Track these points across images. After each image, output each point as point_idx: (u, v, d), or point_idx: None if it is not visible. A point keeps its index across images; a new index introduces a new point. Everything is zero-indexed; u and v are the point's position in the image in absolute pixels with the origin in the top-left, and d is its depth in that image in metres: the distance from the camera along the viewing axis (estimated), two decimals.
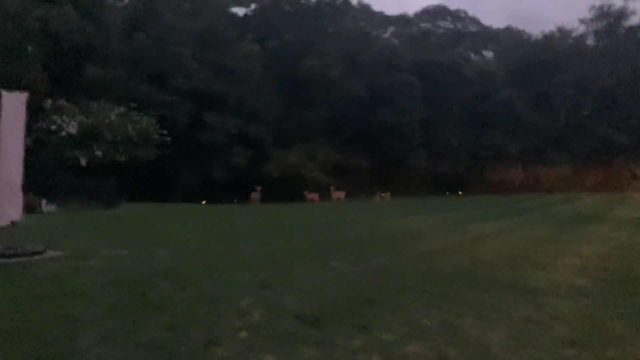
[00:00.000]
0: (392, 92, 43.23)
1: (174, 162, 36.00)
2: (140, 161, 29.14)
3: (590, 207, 27.86)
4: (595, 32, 57.41)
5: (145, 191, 33.33)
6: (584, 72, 51.58)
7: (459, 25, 66.09)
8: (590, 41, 57.14)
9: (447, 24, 65.52)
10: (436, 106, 45.97)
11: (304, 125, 39.32)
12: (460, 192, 45.49)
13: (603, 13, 56.84)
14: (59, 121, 25.25)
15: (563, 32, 56.93)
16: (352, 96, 41.17)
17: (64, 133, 24.99)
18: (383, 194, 34.14)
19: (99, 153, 25.73)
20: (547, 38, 55.94)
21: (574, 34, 57.29)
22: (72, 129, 25.16)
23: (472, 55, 57.55)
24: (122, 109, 28.65)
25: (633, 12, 56.63)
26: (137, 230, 13.72)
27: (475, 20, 66.23)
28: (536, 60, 52.15)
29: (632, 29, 56.91)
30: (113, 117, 27.65)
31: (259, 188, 32.58)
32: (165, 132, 29.45)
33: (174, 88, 34.68)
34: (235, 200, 36.93)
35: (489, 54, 58.08)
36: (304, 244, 11.06)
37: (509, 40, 61.50)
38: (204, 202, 34.73)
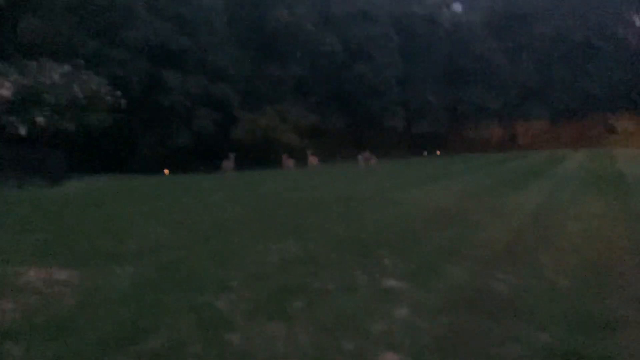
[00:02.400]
0: (368, 47, 40.03)
1: (131, 129, 32.28)
2: (91, 129, 25.43)
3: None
4: None
5: (100, 163, 29.65)
6: (563, 23, 49.35)
7: None
8: None
9: None
10: (413, 62, 43.06)
11: (274, 84, 35.81)
12: (438, 152, 43.27)
13: None
14: None
15: None
16: (326, 51, 37.75)
17: None
18: (368, 158, 29.87)
19: (40, 119, 21.92)
20: None
21: None
22: (7, 91, 21.23)
23: (448, 6, 54.40)
24: (67, 68, 24.69)
25: None
26: (83, 224, 10.45)
27: None
28: (515, 11, 49.52)
29: None
30: (56, 77, 23.72)
31: (232, 155, 28.87)
32: (119, 93, 25.71)
33: (126, 43, 30.57)
34: (202, 169, 33.59)
35: (464, 6, 55.04)
36: (331, 242, 8.14)
37: None
38: (166, 172, 31.31)
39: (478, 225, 9.79)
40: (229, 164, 28.86)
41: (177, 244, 8.24)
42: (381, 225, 9.83)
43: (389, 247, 7.87)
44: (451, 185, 16.86)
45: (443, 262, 7.08)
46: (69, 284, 6.13)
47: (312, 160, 30.73)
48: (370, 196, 14.11)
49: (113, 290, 5.70)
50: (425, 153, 42.85)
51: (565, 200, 12.95)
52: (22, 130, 21.67)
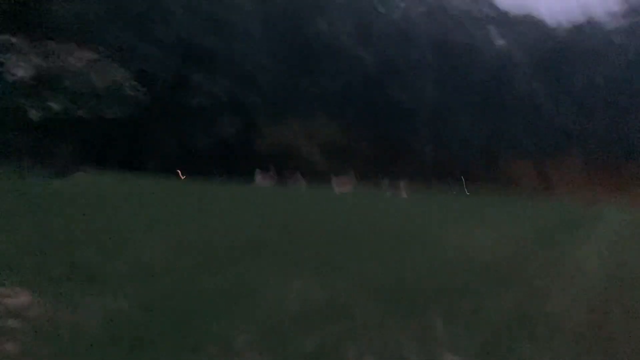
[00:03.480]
0: (404, 69, 38.37)
1: (150, 126, 30.90)
2: (107, 120, 24.04)
3: None
4: (623, 29, 52.99)
5: (114, 157, 28.22)
6: (611, 72, 47.24)
7: (474, 8, 61.20)
8: (619, 38, 52.61)
9: (460, 4, 60.62)
10: (450, 90, 41.25)
11: (303, 98, 34.24)
12: (465, 188, 41.22)
13: (633, 10, 52.36)
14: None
15: (593, 25, 52.16)
16: (361, 69, 36.17)
17: (9, 77, 19.69)
18: (344, 183, 26.92)
19: (54, 105, 20.55)
20: (577, 29, 51.17)
21: (606, 28, 52.58)
22: (22, 71, 19.89)
23: (492, 40, 52.69)
24: (91, 55, 23.41)
25: None
26: (71, 229, 8.77)
27: (493, 5, 61.27)
28: (563, 54, 47.51)
29: None
30: (78, 64, 22.44)
31: (272, 168, 26.13)
32: (141, 87, 24.35)
33: (156, 38, 29.30)
34: (218, 175, 32.03)
35: (508, 42, 53.29)
36: (366, 288, 6.33)
37: (528, 27, 56.76)
38: (183, 177, 29.81)
39: (545, 290, 7.95)
40: (265, 178, 26.08)
41: (177, 271, 6.52)
42: (425, 273, 8.04)
43: (441, 307, 6.08)
44: (494, 230, 14.97)
45: (515, 340, 5.25)
46: (17, 314, 4.51)
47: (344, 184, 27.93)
48: (405, 232, 12.31)
49: (67, 339, 4.02)
50: (451, 188, 40.79)
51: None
52: (34, 116, 20.31)
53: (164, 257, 7.26)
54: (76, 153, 20.82)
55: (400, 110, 37.32)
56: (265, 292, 5.91)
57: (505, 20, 55.96)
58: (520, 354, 4.86)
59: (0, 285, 5.27)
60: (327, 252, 8.91)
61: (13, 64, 19.86)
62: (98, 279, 5.86)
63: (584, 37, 50.91)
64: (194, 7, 31.68)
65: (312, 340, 4.55)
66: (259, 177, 26.27)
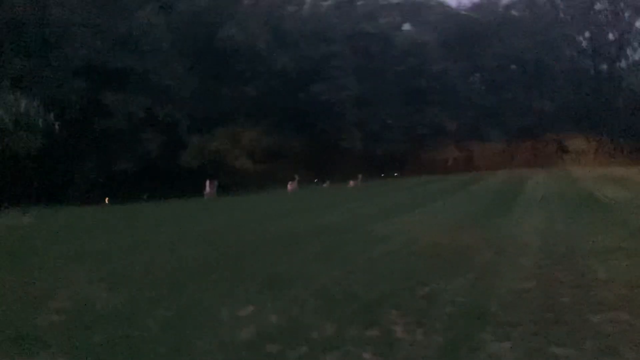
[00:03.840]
0: (323, 66, 38.55)
1: (67, 154, 29.41)
2: (19, 154, 22.62)
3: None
4: (519, 2, 55.80)
5: (32, 193, 26.63)
6: (514, 43, 49.61)
7: None
8: (515, 12, 55.37)
9: None
10: (369, 82, 41.86)
11: (225, 105, 33.62)
12: (395, 174, 42.04)
13: None
14: None
15: (491, 1, 54.67)
16: (279, 71, 35.96)
17: None
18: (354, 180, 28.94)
19: None
20: (477, 7, 53.41)
21: (502, 3, 55.26)
22: None
23: (400, 26, 53.86)
24: None
25: None
26: None
27: None
28: (468, 31, 49.43)
29: None
30: None
31: (213, 181, 26.18)
32: (52, 116, 23.01)
33: (61, 62, 27.84)
34: (145, 197, 30.96)
35: (416, 26, 54.63)
36: (319, 300, 6.06)
37: (432, 10, 58.47)
38: (106, 201, 28.58)
39: (488, 268, 8.08)
40: (210, 189, 26.02)
41: (116, 310, 6.08)
42: (374, 270, 7.98)
43: (397, 308, 6.00)
44: (431, 213, 15.24)
45: (477, 330, 5.26)
46: None
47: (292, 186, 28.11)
48: (347, 227, 12.23)
49: None
50: (382, 175, 41.50)
51: (563, 231, 11.49)
52: None
53: (97, 294, 6.77)
54: None
55: (323, 107, 37.46)
56: (213, 321, 5.61)
57: (409, 5, 57.44)
58: (485, 349, 4.84)
59: None
60: (273, 261, 8.67)
61: None
62: (25, 340, 5.32)
63: (484, 13, 53.18)
64: (98, 27, 30.35)
65: None
66: (207, 188, 26.11)
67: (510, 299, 6.34)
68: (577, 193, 21.44)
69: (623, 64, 56.17)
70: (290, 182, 28.48)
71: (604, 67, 55.61)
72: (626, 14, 53.65)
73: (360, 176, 32.79)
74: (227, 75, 34.78)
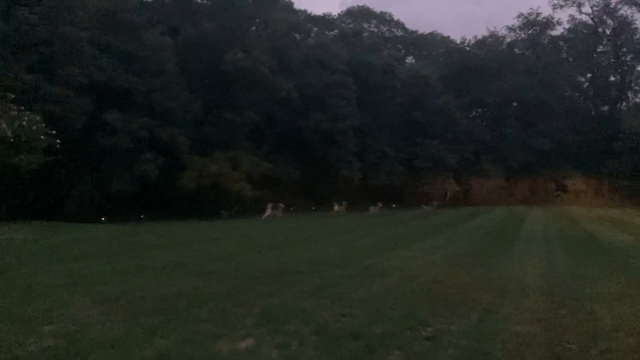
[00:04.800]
0: (325, 95, 38.76)
1: (66, 172, 29.32)
2: (20, 171, 22.51)
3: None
4: (522, 41, 56.60)
5: (29, 209, 26.42)
6: (516, 81, 50.10)
7: (384, 29, 63.20)
8: (517, 50, 56.08)
9: (372, 27, 62.39)
10: (370, 112, 42.12)
11: (226, 129, 33.63)
12: (394, 205, 41.91)
13: (529, 21, 56.11)
14: None
15: (495, 38, 55.40)
16: (282, 97, 36.15)
17: None
18: (273, 212, 28.54)
19: None
20: (480, 43, 54.10)
21: (506, 41, 56.01)
22: None
23: (404, 59, 54.52)
24: None
25: (559, 22, 56.31)
26: None
27: (400, 24, 63.47)
28: (470, 67, 49.96)
29: (555, 39, 56.76)
30: None
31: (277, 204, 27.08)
32: (53, 132, 22.91)
33: (66, 79, 27.93)
34: (142, 217, 30.81)
35: (418, 59, 55.29)
36: (318, 339, 5.82)
37: (435, 45, 59.33)
38: (102, 219, 28.43)
39: (491, 309, 7.93)
40: (271, 212, 27.19)
41: (112, 338, 5.93)
42: (374, 307, 7.82)
43: (400, 349, 5.85)
44: (430, 248, 15.08)
45: None
46: None
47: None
48: (344, 262, 12.06)
49: None
50: (380, 205, 41.33)
51: (565, 273, 11.34)
52: None
53: (91, 318, 6.62)
54: None
55: (324, 136, 37.56)
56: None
57: (413, 38, 58.25)
58: None
59: None
60: (269, 295, 8.52)
61: None
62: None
63: (487, 50, 53.88)
64: (104, 45, 30.57)
65: None
66: (268, 210, 27.97)
67: (515, 344, 6.20)
68: (577, 233, 21.36)
69: (623, 106, 56.75)
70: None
71: (605, 108, 56.13)
72: (627, 58, 54.38)
73: (344, 202, 33.23)
74: (230, 99, 34.92)
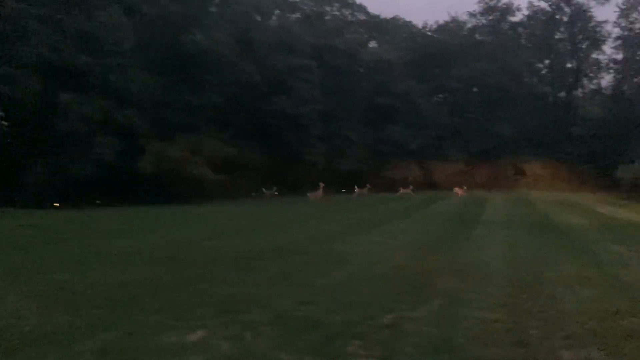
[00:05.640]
0: (289, 79, 38.18)
1: (18, 156, 28.05)
2: None
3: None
4: (483, 26, 57.03)
5: None
6: (477, 67, 50.51)
7: (347, 12, 62.64)
8: (479, 36, 56.48)
9: (334, 10, 61.73)
10: (334, 97, 41.76)
11: (188, 112, 32.74)
12: (355, 189, 41.78)
13: (490, 7, 56.50)
14: None
15: (456, 23, 55.63)
16: (245, 81, 35.37)
17: None
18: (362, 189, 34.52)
19: None
20: (442, 28, 54.26)
21: (467, 26, 56.32)
22: None
23: (367, 43, 54.19)
24: None
25: (518, 8, 56.89)
26: None
27: (363, 8, 63.00)
28: (432, 52, 50.08)
29: (514, 25, 57.42)
30: None
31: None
32: (2, 114, 21.88)
33: (16, 59, 26.60)
34: (98, 202, 29.80)
35: (381, 44, 55.06)
36: (278, 329, 5.51)
37: (398, 30, 59.13)
38: (56, 205, 27.39)
39: (454, 295, 7.77)
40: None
41: (48, 332, 5.49)
42: (336, 295, 7.56)
43: (360, 338, 5.60)
44: (393, 233, 14.95)
45: None
46: None
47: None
48: (308, 248, 11.80)
49: None
50: (343, 190, 41.28)
51: (526, 257, 11.31)
52: None
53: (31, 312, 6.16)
54: None
55: (288, 120, 37.08)
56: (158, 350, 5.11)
57: (375, 23, 57.96)
58: None
59: None
60: (228, 283, 8.17)
61: None
62: None
63: (449, 35, 54.10)
64: (57, 24, 29.21)
65: None
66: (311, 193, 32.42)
67: (478, 330, 6.05)
68: (537, 217, 21.62)
69: (580, 92, 58.04)
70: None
71: (562, 94, 57.25)
72: (583, 45, 55.44)
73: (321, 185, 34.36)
74: (191, 82, 33.98)
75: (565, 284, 8.49)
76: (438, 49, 50.58)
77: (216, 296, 7.24)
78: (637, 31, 51.66)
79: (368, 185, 37.11)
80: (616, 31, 54.01)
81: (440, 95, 54.38)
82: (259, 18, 42.86)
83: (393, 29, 59.13)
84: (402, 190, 37.92)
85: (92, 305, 6.55)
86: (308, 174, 39.54)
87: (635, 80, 52.77)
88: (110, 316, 6.14)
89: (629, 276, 9.17)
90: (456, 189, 38.27)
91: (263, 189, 34.49)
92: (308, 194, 32.96)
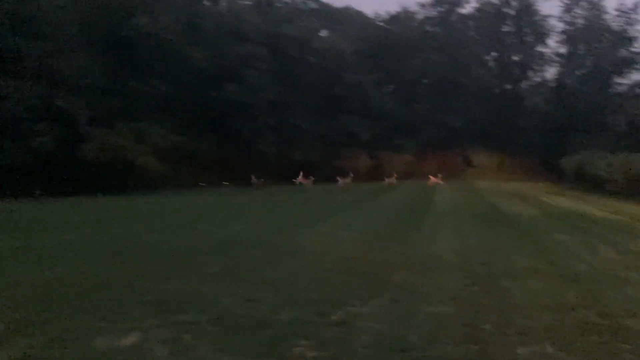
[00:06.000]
0: (239, 66, 37.29)
1: None
2: None
3: None
4: (433, 18, 57.43)
5: None
6: (428, 58, 50.91)
7: (298, 0, 61.87)
8: (429, 27, 56.80)
9: None
10: (286, 85, 41.07)
11: (132, 99, 31.47)
12: (299, 179, 41.48)
13: None
14: None
15: (408, 14, 55.76)
16: (193, 67, 34.28)
17: None
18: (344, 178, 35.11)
19: None
20: (393, 19, 54.29)
21: (418, 17, 56.54)
22: None
23: (318, 31, 53.56)
24: None
25: (467, 1, 57.49)
26: None
27: None
28: (384, 43, 50.07)
29: (463, 17, 58.13)
30: None
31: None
32: None
33: None
34: (37, 193, 28.33)
35: (333, 33, 54.58)
36: (221, 330, 5.07)
37: (350, 20, 58.79)
38: None
39: (405, 288, 7.53)
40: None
41: None
42: (283, 290, 7.19)
43: (308, 337, 5.26)
44: (343, 224, 14.66)
45: None
46: None
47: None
48: (256, 240, 11.34)
49: None
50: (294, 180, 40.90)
51: (477, 247, 11.25)
52: None
53: None
54: None
55: (238, 108, 36.25)
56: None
57: (327, 12, 57.46)
58: None
59: None
60: (169, 279, 7.69)
61: None
62: None
63: (400, 26, 54.27)
64: None
65: None
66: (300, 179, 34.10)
67: (431, 326, 5.82)
68: (485, 207, 21.78)
69: (525, 84, 59.51)
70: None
71: (509, 86, 58.50)
72: (529, 38, 56.76)
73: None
74: (136, 67, 32.67)
75: (517, 276, 8.43)
76: (389, 40, 50.58)
77: (154, 294, 6.75)
78: (579, 26, 53.24)
79: (351, 174, 37.62)
80: (560, 25, 55.69)
81: (392, 86, 54.44)
82: (207, 3, 41.66)
83: (345, 19, 58.70)
84: (387, 180, 37.86)
85: (14, 307, 5.95)
86: (259, 163, 38.93)
87: (577, 73, 54.47)
88: (35, 318, 5.58)
89: (578, 267, 9.20)
90: (431, 178, 38.34)
91: (252, 176, 33.92)
92: (338, 179, 35.07)
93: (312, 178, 36.66)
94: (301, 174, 35.89)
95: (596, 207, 21.88)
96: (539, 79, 59.32)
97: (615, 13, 52.60)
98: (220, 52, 37.23)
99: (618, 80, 52.49)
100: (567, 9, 53.59)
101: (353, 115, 43.85)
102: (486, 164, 54.07)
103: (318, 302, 6.57)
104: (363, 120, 44.69)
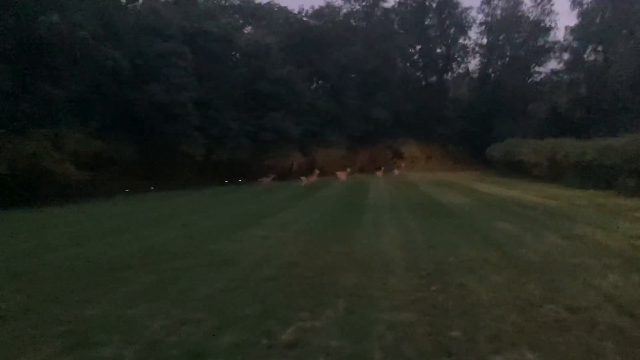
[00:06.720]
0: (159, 64, 35.46)
1: None
2: None
3: None
4: (357, 12, 57.63)
5: None
6: (354, 52, 50.84)
7: None
8: (354, 21, 56.92)
9: None
10: (211, 84, 39.62)
11: (45, 103, 29.09)
12: (240, 180, 40.43)
13: None
14: None
15: (332, 9, 55.55)
16: (110, 67, 32.16)
17: None
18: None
19: None
20: (318, 14, 53.88)
21: (342, 12, 56.51)
22: None
23: (242, 27, 52.28)
24: None
25: None
26: None
27: None
28: (310, 38, 49.54)
29: (387, 11, 58.68)
30: None
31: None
32: None
33: None
34: None
35: (257, 29, 53.43)
36: None
37: (274, 15, 57.92)
38: None
39: (357, 293, 6.84)
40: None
41: None
42: (219, 308, 6.28)
43: None
44: (280, 225, 13.83)
45: None
46: None
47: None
48: (186, 249, 10.28)
49: None
50: (226, 181, 39.71)
51: (422, 241, 10.74)
52: None
53: None
54: None
55: (161, 109, 34.47)
56: None
57: (250, 8, 56.35)
58: None
59: None
60: (85, 301, 6.61)
61: None
62: None
63: (325, 21, 54.00)
64: None
65: None
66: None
67: (395, 337, 5.14)
68: (421, 198, 21.56)
69: (449, 76, 60.99)
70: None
71: (434, 78, 59.69)
72: (451, 31, 58.08)
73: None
74: (48, 69, 30.23)
75: (470, 270, 7.94)
76: (315, 35, 50.13)
77: (70, 323, 5.69)
78: (499, 17, 54.94)
79: (315, 172, 38.88)
80: (480, 17, 57.34)
81: (320, 81, 54.12)
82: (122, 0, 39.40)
83: (269, 14, 57.77)
84: (339, 174, 38.68)
85: None
86: (185, 165, 37.42)
87: (499, 63, 56.25)
88: None
89: (529, 256, 8.85)
90: (339, 173, 38.37)
91: (260, 178, 35.21)
92: (302, 178, 34.86)
93: (272, 176, 38.16)
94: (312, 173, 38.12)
95: (528, 193, 22.20)
96: (462, 70, 61.00)
97: (531, 4, 54.83)
98: (138, 50, 35.30)
99: (537, 69, 54.72)
100: (486, 1, 55.18)
101: (282, 112, 43.02)
102: (416, 156, 54.93)
103: (263, 318, 5.76)
104: (293, 117, 43.97)
